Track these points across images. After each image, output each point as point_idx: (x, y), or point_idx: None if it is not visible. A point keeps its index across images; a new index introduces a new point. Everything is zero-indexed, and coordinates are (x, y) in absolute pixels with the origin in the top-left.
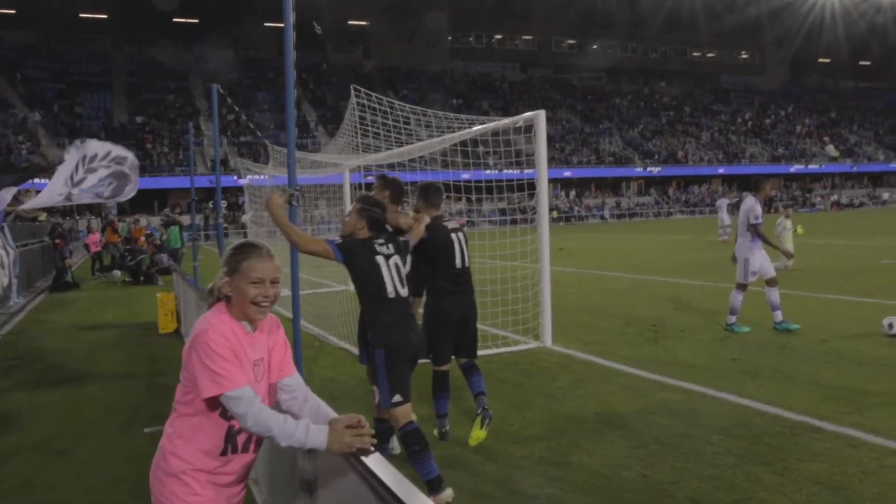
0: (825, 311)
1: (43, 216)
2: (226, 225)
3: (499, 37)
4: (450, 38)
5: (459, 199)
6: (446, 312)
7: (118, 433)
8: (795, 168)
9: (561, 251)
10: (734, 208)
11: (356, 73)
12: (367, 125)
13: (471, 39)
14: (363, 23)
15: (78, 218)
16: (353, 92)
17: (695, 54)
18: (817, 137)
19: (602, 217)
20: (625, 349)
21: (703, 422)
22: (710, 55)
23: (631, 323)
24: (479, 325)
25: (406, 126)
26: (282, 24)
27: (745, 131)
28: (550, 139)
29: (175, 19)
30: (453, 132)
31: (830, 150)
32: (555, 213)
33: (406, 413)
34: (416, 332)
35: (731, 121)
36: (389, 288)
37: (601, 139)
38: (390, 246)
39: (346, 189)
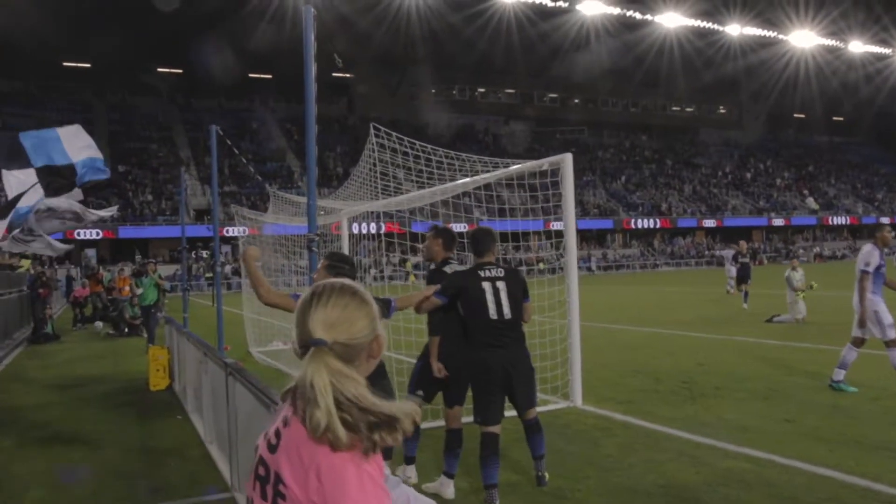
0: (866, 367)
1: (25, 264)
2: (209, 275)
3: (482, 90)
4: (433, 90)
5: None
6: (485, 368)
7: None
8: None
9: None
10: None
11: (340, 124)
12: (388, 165)
13: (454, 92)
14: (347, 75)
15: (57, 267)
16: (371, 131)
17: (674, 109)
18: (797, 190)
19: (589, 269)
20: (663, 409)
21: (786, 495)
22: (688, 109)
23: (660, 380)
24: None
25: (427, 168)
26: (266, 76)
27: (726, 184)
28: (534, 190)
29: (159, 69)
30: (476, 175)
31: (810, 202)
32: (542, 265)
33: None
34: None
35: (712, 174)
36: None
37: (585, 191)
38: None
39: (345, 237)
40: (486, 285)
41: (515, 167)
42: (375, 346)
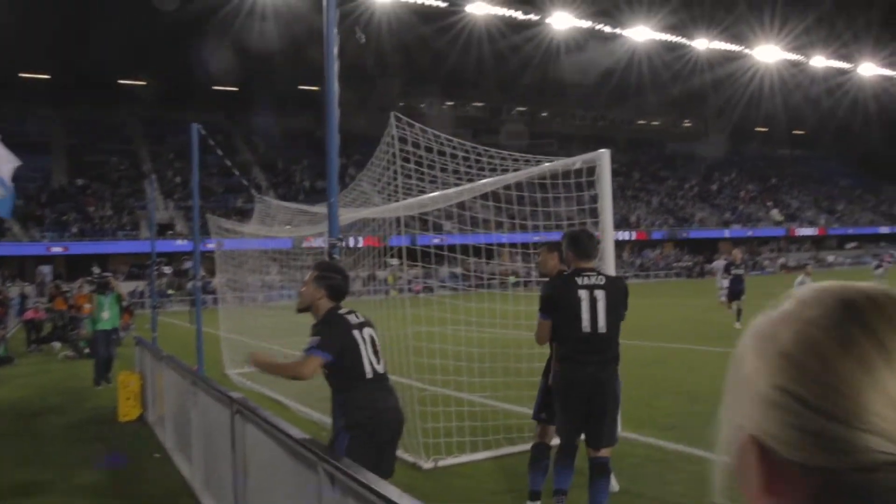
0: None
1: None
2: (171, 291)
3: (451, 103)
4: (402, 104)
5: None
6: (569, 384)
7: None
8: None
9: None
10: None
11: (308, 137)
12: (410, 161)
13: (423, 106)
14: (315, 88)
15: (9, 285)
16: (393, 121)
17: (640, 122)
18: (761, 202)
19: None
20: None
21: None
22: (654, 123)
23: (695, 400)
24: (524, 409)
25: (453, 162)
26: (233, 89)
27: (692, 196)
28: (507, 203)
29: (120, 81)
30: (505, 172)
31: (775, 214)
32: (513, 278)
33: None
34: (392, 411)
35: (678, 186)
36: (367, 367)
37: (555, 203)
38: (359, 315)
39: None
40: (583, 294)
41: (548, 165)
42: None
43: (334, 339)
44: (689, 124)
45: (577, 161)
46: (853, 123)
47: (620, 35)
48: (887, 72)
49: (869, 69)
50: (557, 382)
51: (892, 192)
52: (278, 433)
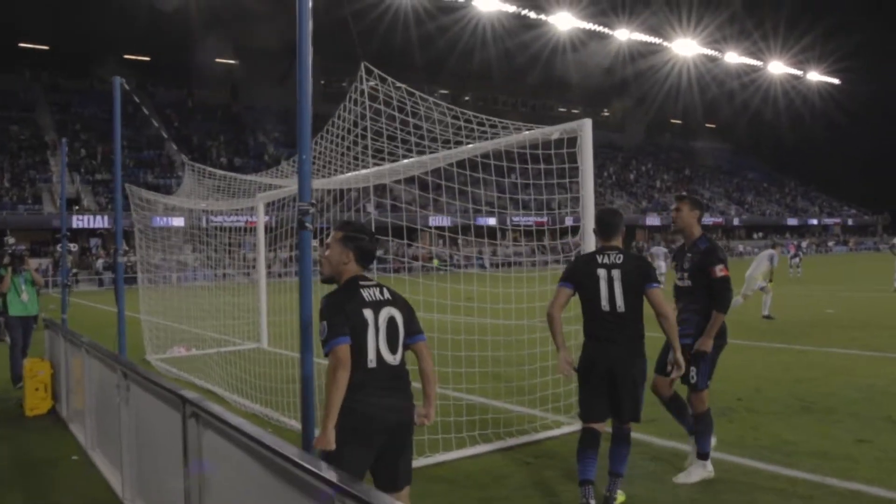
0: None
1: None
2: (75, 270)
3: (372, 83)
4: (322, 82)
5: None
6: (590, 361)
7: None
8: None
9: (470, 301)
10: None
11: (224, 112)
12: (381, 121)
13: (343, 84)
14: (232, 62)
15: None
16: (362, 73)
17: (561, 110)
18: (676, 192)
19: (482, 266)
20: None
21: None
22: (575, 111)
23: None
24: (503, 404)
25: (428, 123)
26: (145, 58)
27: (610, 184)
28: (424, 187)
29: (21, 44)
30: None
31: None
32: (436, 262)
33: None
34: (392, 412)
35: (597, 174)
36: (371, 353)
37: (476, 187)
38: (386, 291)
39: (261, 228)
40: (602, 272)
41: (527, 133)
42: None
43: (343, 318)
44: (607, 114)
45: (556, 130)
46: (762, 119)
47: (545, 22)
48: (794, 70)
49: (778, 67)
50: (581, 359)
51: (796, 185)
52: (256, 445)
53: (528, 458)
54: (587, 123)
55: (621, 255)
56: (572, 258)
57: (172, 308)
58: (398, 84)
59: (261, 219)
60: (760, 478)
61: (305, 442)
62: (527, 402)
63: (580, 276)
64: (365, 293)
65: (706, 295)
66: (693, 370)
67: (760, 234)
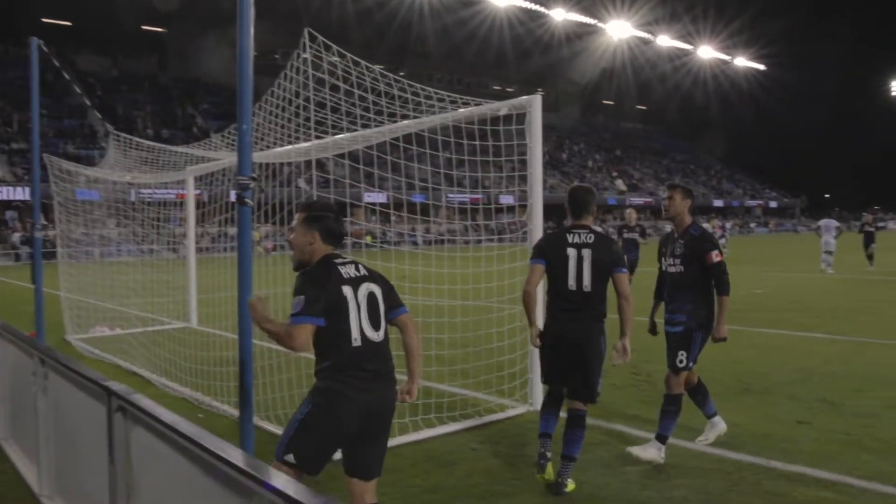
0: (789, 349)
1: None
2: None
3: (306, 56)
4: (255, 54)
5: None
6: (552, 337)
7: None
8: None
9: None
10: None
11: (151, 82)
12: (325, 90)
13: (277, 56)
14: (160, 29)
15: None
16: (306, 39)
17: (496, 88)
18: (607, 172)
19: (415, 243)
20: (640, 409)
21: None
22: (509, 90)
23: (638, 373)
24: (449, 387)
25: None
26: (66, 23)
27: (544, 163)
28: (359, 161)
29: None
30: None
31: (619, 184)
32: (369, 238)
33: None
34: (372, 398)
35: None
36: (355, 332)
37: (412, 163)
38: (361, 267)
39: (191, 203)
40: (571, 252)
41: (474, 108)
42: None
43: (320, 296)
44: (542, 93)
45: (504, 106)
46: (692, 102)
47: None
48: (723, 55)
49: (707, 52)
50: (544, 334)
51: (722, 168)
52: (194, 447)
53: (473, 444)
54: (537, 100)
55: (592, 235)
56: (519, 236)
57: (95, 285)
58: (343, 52)
59: (190, 192)
60: (707, 461)
61: (244, 434)
62: (471, 385)
63: (550, 253)
64: (342, 270)
65: (698, 280)
66: (682, 353)
67: None
